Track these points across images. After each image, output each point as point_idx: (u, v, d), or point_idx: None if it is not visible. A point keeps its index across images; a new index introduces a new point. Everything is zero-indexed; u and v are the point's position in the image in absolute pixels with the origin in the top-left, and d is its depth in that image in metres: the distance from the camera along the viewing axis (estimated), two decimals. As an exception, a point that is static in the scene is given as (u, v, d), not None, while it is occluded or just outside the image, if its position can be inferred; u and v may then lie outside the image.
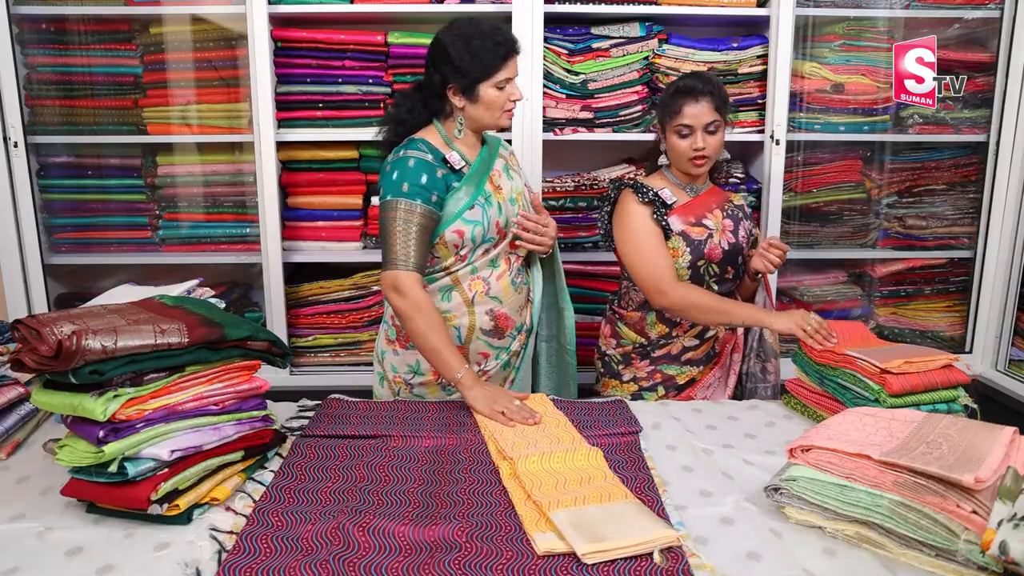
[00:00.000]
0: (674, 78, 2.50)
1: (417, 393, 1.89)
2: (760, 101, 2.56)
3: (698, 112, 1.88)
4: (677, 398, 1.97)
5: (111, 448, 1.15)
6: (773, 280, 2.37)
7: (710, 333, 2.00)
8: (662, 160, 2.01)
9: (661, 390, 2.01)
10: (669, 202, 1.94)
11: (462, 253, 1.81)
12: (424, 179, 1.73)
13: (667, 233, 1.93)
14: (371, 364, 2.07)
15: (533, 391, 2.02)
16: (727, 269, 1.97)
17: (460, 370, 1.68)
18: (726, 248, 1.96)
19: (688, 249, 1.93)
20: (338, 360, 2.66)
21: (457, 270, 1.82)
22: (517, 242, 1.89)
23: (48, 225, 2.59)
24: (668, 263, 1.91)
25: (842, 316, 2.80)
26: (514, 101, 1.79)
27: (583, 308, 2.67)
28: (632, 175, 2.59)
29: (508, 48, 1.74)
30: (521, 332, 1.94)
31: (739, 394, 2.02)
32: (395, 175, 1.74)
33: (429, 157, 1.76)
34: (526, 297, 1.94)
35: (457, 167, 1.80)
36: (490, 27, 1.76)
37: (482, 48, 1.72)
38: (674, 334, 1.99)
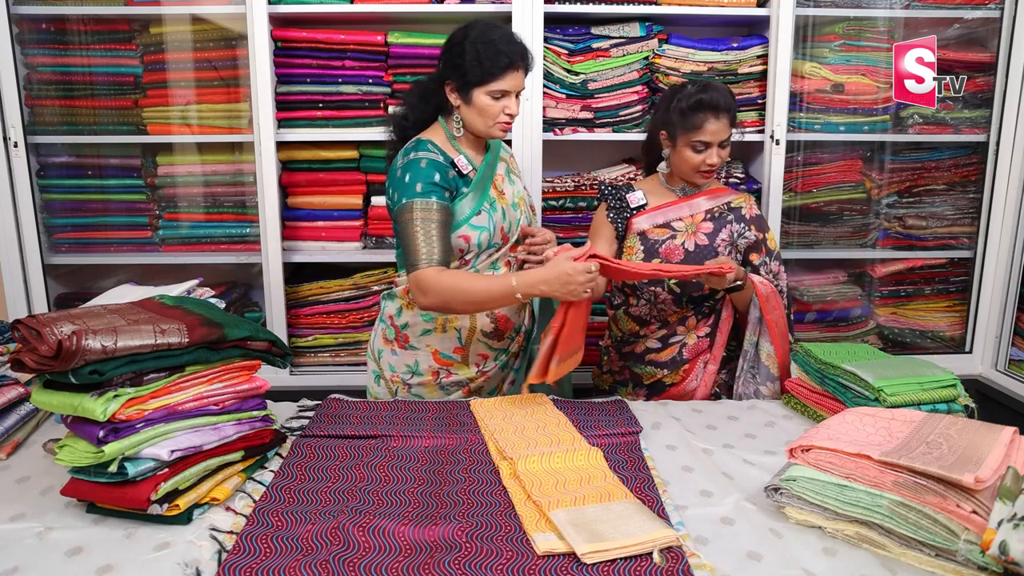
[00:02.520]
0: (674, 78, 2.51)
1: (416, 393, 1.89)
2: (760, 101, 2.56)
3: (718, 129, 1.88)
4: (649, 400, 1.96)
5: (111, 448, 1.15)
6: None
7: (674, 339, 1.98)
8: (662, 167, 2.02)
9: (630, 386, 2.03)
10: (634, 206, 2.00)
11: (467, 258, 1.81)
12: (437, 177, 1.73)
13: (619, 232, 2.00)
14: (371, 364, 2.08)
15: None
16: None
17: (513, 287, 1.64)
18: (690, 249, 1.96)
19: (642, 248, 1.96)
20: (338, 360, 2.66)
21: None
22: (526, 265, 1.87)
23: (48, 225, 2.59)
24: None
25: (842, 316, 2.81)
26: (509, 115, 1.77)
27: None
28: (631, 175, 2.60)
29: (510, 60, 1.72)
30: (520, 333, 1.94)
31: None
32: (407, 177, 1.73)
33: (441, 159, 1.77)
34: None
35: (464, 171, 1.80)
36: (504, 36, 1.74)
37: (485, 54, 1.71)
38: (641, 333, 2.00)
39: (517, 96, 1.78)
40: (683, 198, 2.01)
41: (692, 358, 2.00)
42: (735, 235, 1.99)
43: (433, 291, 1.66)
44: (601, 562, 1.07)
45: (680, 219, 1.99)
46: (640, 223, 1.99)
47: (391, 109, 2.47)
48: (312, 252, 2.61)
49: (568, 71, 2.49)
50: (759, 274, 2.01)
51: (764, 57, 2.53)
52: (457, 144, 1.83)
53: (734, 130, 1.93)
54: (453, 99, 1.79)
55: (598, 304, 2.65)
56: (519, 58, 1.74)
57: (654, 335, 1.99)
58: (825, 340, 2.77)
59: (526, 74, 1.79)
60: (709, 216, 1.99)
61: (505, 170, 1.91)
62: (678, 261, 1.95)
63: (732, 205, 2.02)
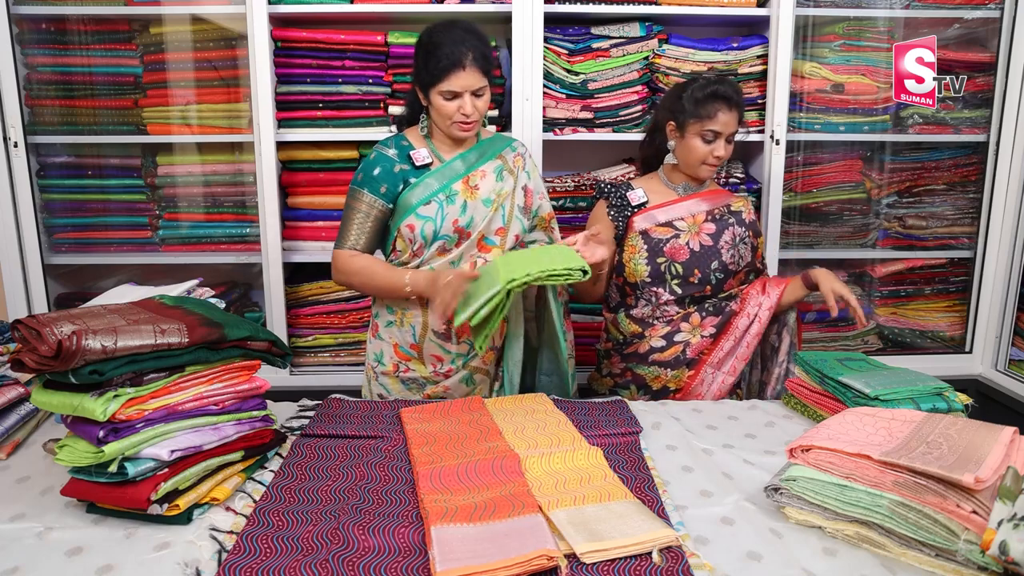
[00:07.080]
0: (674, 78, 2.51)
1: (381, 383, 1.93)
2: (760, 101, 2.56)
3: (729, 121, 1.91)
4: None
5: (111, 448, 1.15)
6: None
7: (679, 336, 1.97)
8: (669, 159, 2.02)
9: (633, 388, 2.02)
10: (635, 203, 2.00)
11: (415, 249, 1.83)
12: (377, 171, 1.82)
13: (619, 230, 2.01)
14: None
15: None
16: (693, 271, 1.96)
17: (406, 281, 1.77)
18: (695, 249, 1.96)
19: (645, 247, 1.97)
20: (338, 360, 2.66)
21: (415, 267, 1.83)
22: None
23: (48, 225, 2.59)
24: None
25: (842, 316, 2.80)
26: (464, 115, 1.76)
27: (581, 308, 2.67)
28: (631, 175, 2.59)
29: (453, 61, 1.71)
30: (488, 351, 1.91)
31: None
32: (360, 166, 1.86)
33: (392, 152, 1.84)
34: None
35: (419, 164, 1.83)
36: (451, 37, 1.73)
37: (432, 56, 1.73)
38: (645, 334, 1.99)
39: (476, 94, 1.76)
40: (683, 197, 2.01)
41: (696, 358, 1.98)
42: (737, 238, 2.00)
43: (341, 269, 1.84)
44: (601, 562, 1.07)
45: (682, 219, 1.99)
46: (641, 222, 1.99)
47: (391, 109, 2.48)
48: (312, 252, 2.61)
49: (568, 71, 2.49)
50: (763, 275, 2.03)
51: (764, 57, 2.53)
52: (430, 139, 1.88)
53: (741, 128, 1.96)
54: (422, 99, 1.83)
55: (593, 306, 2.65)
56: (465, 57, 1.72)
57: (658, 333, 1.99)
58: (825, 340, 2.77)
59: (484, 72, 1.76)
60: (710, 217, 2.00)
61: (497, 168, 1.90)
62: (683, 261, 1.95)
63: (733, 208, 2.03)
